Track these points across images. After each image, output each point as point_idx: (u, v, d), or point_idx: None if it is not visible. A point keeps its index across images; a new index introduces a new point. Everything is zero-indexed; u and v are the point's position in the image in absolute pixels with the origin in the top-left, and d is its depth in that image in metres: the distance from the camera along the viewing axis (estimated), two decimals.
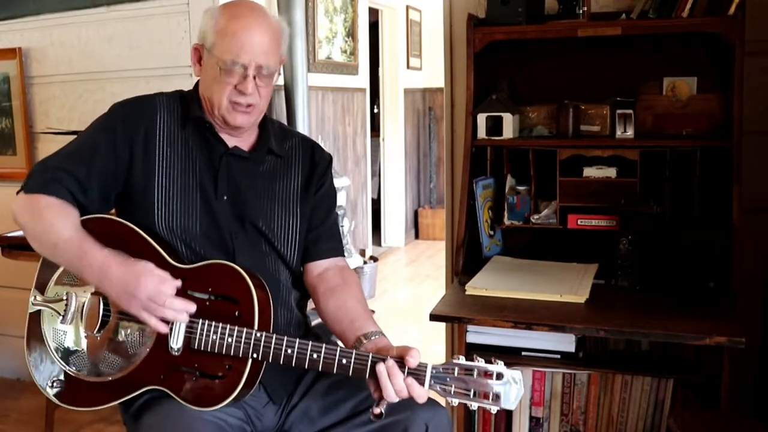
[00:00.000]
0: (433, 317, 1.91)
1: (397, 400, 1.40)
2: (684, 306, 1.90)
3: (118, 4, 3.07)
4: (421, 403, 1.42)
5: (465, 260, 2.25)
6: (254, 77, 1.58)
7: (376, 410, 1.41)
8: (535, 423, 2.13)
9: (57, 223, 1.51)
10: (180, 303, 1.46)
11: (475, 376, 1.37)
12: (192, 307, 1.47)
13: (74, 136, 1.67)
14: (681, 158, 2.19)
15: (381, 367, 1.38)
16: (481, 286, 2.04)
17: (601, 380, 2.07)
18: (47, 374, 1.59)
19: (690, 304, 1.91)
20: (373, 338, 1.51)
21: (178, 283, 1.48)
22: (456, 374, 1.37)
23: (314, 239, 1.72)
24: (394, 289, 5.41)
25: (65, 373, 1.57)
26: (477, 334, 2.06)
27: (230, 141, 1.66)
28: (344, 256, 1.78)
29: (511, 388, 1.35)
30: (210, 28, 1.60)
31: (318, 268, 1.72)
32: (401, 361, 1.39)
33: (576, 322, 1.82)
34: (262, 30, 1.58)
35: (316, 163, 1.75)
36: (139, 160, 1.60)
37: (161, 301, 1.45)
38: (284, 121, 3.30)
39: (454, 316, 1.92)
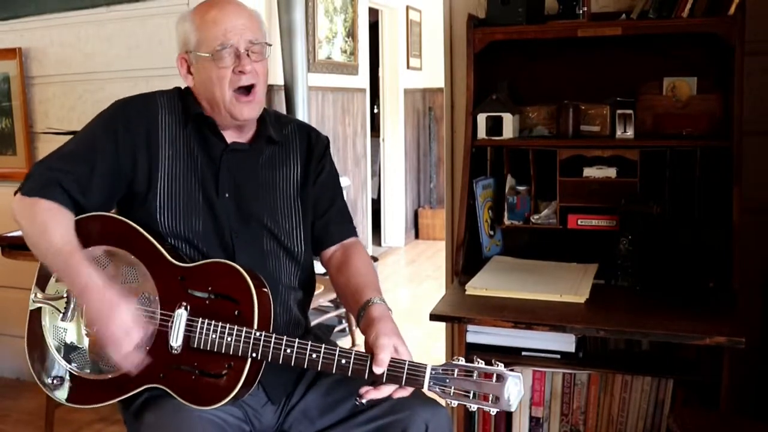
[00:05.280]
0: (433, 317, 1.91)
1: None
2: (684, 306, 1.90)
3: (118, 4, 3.07)
4: (423, 397, 1.43)
5: (465, 260, 2.25)
6: (247, 54, 1.58)
7: (363, 399, 1.43)
8: (535, 423, 2.13)
9: (50, 230, 1.50)
10: (132, 361, 1.47)
11: (474, 377, 1.37)
12: (140, 365, 1.47)
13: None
14: (681, 158, 2.19)
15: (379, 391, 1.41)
16: (481, 286, 2.04)
17: (601, 380, 2.06)
18: (48, 372, 1.59)
19: (690, 304, 1.91)
20: (367, 308, 1.52)
21: (139, 338, 1.47)
22: (455, 375, 1.37)
23: (324, 226, 1.73)
24: (394, 289, 5.41)
25: (66, 371, 1.57)
26: (477, 334, 2.06)
27: (229, 136, 1.66)
28: (355, 234, 1.78)
29: (511, 389, 1.35)
30: (189, 31, 1.62)
31: (329, 252, 1.74)
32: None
33: (576, 322, 1.82)
34: (238, 10, 1.62)
35: (313, 148, 1.75)
36: (142, 161, 1.60)
37: (118, 353, 1.46)
38: None
39: (454, 316, 1.92)
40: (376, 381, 1.41)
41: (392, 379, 1.41)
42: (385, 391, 1.42)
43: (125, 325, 1.45)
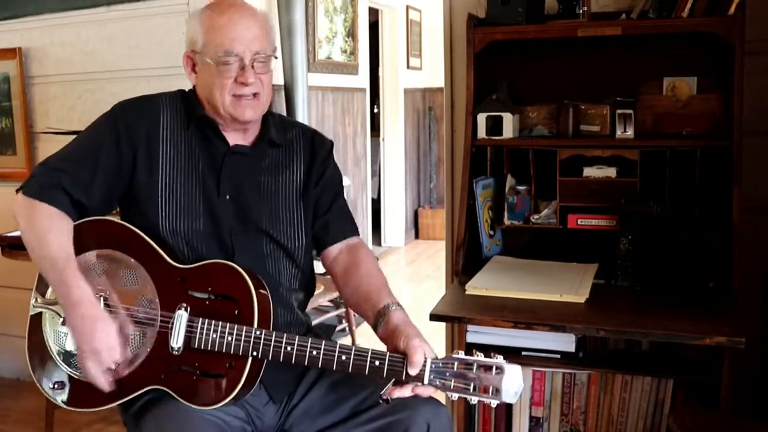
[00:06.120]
0: (433, 317, 1.91)
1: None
2: (684, 306, 1.90)
3: (118, 3, 3.08)
4: (425, 397, 1.42)
5: (465, 260, 2.25)
6: (252, 66, 1.58)
7: (388, 397, 1.41)
8: (535, 423, 2.13)
9: (48, 238, 1.51)
10: (106, 379, 1.48)
11: (474, 370, 1.36)
12: (111, 384, 1.49)
13: (74, 136, 1.66)
14: (681, 158, 2.19)
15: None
16: (481, 286, 2.04)
17: (601, 380, 2.07)
18: (49, 376, 1.59)
19: (690, 304, 1.91)
20: (386, 314, 1.52)
21: (119, 358, 1.48)
22: (455, 369, 1.37)
23: (323, 226, 1.72)
24: (394, 289, 5.36)
25: (67, 375, 1.57)
26: (477, 334, 2.06)
27: (232, 139, 1.66)
28: (357, 234, 1.77)
29: (511, 381, 1.35)
30: (197, 31, 1.60)
31: (332, 253, 1.72)
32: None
33: (576, 322, 1.82)
34: (247, 19, 1.59)
35: (317, 152, 1.74)
36: (143, 162, 1.60)
37: (95, 368, 1.46)
38: None
39: (454, 316, 1.92)
40: (398, 379, 1.40)
41: (392, 374, 1.40)
42: (408, 389, 1.40)
43: (110, 342, 1.46)
